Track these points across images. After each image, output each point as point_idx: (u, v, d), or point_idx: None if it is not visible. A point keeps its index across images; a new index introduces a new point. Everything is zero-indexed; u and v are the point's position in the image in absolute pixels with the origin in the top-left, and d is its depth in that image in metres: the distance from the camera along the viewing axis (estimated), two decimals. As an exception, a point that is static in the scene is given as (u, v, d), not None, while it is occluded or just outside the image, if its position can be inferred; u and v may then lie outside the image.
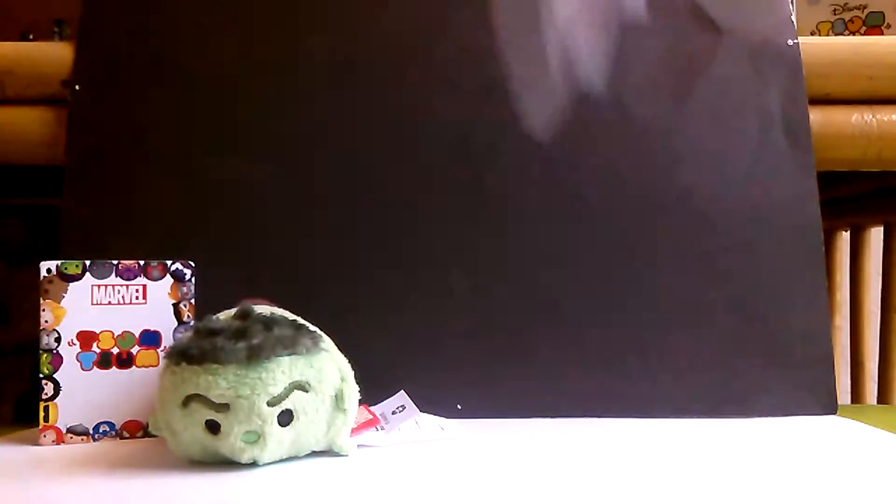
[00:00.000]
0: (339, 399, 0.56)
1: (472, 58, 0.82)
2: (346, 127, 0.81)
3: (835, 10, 0.98)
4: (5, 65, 0.82)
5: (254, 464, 0.53)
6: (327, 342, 0.58)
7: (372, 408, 0.63)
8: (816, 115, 0.82)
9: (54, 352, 0.64)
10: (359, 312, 0.76)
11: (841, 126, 0.83)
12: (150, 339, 0.67)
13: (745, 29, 0.83)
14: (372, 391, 0.62)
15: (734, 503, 0.43)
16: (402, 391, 0.64)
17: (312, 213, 0.79)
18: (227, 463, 0.53)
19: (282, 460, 0.55)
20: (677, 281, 0.77)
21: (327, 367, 0.56)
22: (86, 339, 0.65)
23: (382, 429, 0.62)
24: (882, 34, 0.95)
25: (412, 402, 0.63)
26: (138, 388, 0.66)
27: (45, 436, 0.63)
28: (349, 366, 0.58)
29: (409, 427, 0.64)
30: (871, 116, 0.82)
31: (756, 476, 0.49)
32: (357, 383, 0.58)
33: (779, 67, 0.81)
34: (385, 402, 0.64)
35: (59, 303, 0.64)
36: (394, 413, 0.63)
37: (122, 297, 0.66)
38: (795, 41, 0.82)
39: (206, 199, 0.79)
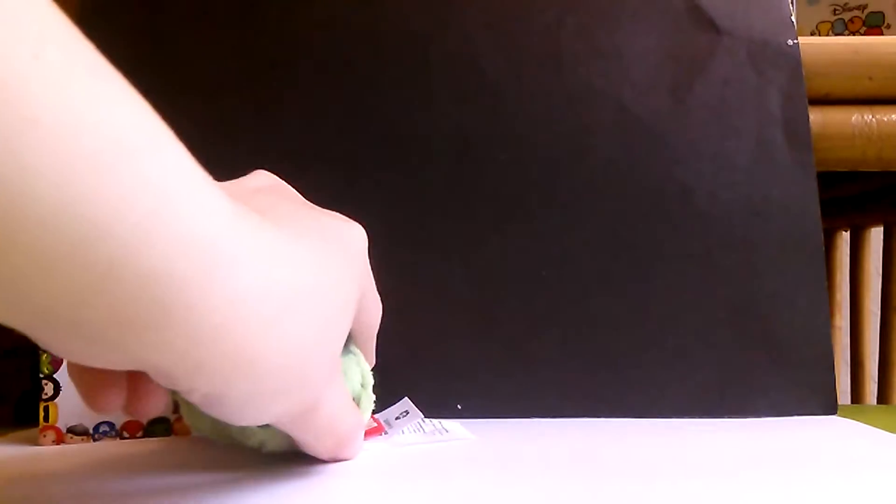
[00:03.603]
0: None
1: (473, 58, 0.82)
2: (345, 126, 0.81)
3: (835, 10, 0.98)
4: (5, 65, 0.82)
5: (259, 448, 0.52)
6: (356, 347, 0.57)
7: (375, 415, 0.63)
8: (816, 115, 0.82)
9: (54, 352, 0.64)
10: (359, 312, 0.76)
11: (841, 126, 0.83)
12: (150, 339, 0.67)
13: (744, 29, 0.83)
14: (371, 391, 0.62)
15: (734, 503, 0.43)
16: (406, 398, 0.64)
17: (312, 213, 0.79)
18: (227, 463, 0.53)
19: (284, 454, 0.55)
20: (677, 281, 0.77)
21: (351, 369, 0.55)
22: (86, 339, 0.65)
23: (386, 433, 0.62)
24: (882, 34, 0.95)
25: (416, 408, 0.63)
26: (138, 388, 0.65)
27: (45, 436, 0.63)
28: (371, 375, 0.57)
29: (412, 430, 0.64)
30: (871, 117, 0.82)
31: (756, 476, 0.49)
32: None
33: (778, 67, 0.81)
34: (388, 409, 0.64)
35: (59, 303, 0.64)
36: (397, 419, 0.63)
37: (122, 297, 0.66)
38: (795, 41, 0.82)
39: (206, 199, 0.79)
